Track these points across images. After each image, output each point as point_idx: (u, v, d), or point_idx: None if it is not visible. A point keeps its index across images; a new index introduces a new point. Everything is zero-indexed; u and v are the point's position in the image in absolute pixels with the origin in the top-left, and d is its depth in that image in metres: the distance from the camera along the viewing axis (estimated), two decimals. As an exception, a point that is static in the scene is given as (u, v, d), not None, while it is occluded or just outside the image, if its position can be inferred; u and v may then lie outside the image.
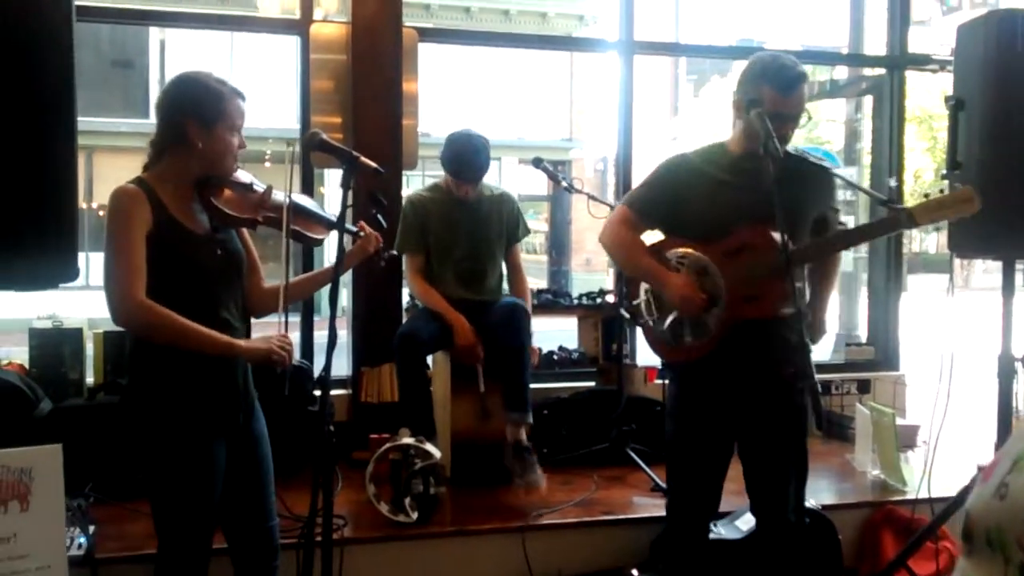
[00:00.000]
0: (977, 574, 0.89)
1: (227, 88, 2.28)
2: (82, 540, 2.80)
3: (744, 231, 2.47)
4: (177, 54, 15.66)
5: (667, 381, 2.84)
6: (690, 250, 2.58)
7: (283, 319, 2.32)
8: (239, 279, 2.38)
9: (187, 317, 2.19)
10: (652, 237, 2.75)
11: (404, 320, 4.15)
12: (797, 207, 2.46)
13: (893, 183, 5.19)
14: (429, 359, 3.89)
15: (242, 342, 2.26)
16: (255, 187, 2.37)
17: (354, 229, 2.52)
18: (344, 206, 2.25)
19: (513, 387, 3.62)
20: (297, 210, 2.39)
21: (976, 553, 0.89)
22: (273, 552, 2.46)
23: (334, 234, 2.48)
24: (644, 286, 2.73)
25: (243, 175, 2.37)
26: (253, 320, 2.45)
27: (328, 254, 2.49)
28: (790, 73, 2.45)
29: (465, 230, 3.80)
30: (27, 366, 3.75)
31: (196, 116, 2.22)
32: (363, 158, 2.28)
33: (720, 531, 3.17)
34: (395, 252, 2.61)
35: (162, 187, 2.21)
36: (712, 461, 2.66)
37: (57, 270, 2.17)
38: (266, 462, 2.44)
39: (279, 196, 2.39)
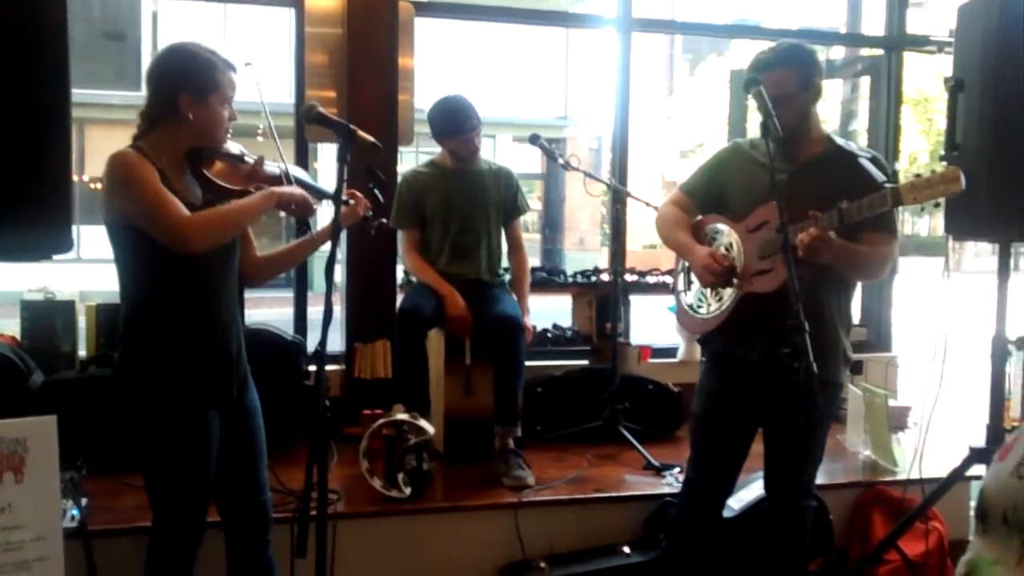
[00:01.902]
0: (992, 553, 0.89)
1: (219, 59, 2.27)
2: (74, 512, 2.79)
3: (766, 208, 2.52)
4: (169, 26, 15.50)
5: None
6: (723, 225, 2.70)
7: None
8: (235, 250, 2.38)
9: (183, 287, 2.19)
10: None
11: (398, 296, 4.13)
12: (819, 193, 2.47)
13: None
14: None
15: (278, 188, 2.30)
16: (246, 158, 2.37)
17: (345, 198, 2.50)
18: (341, 180, 2.23)
19: (505, 402, 3.62)
20: (290, 180, 2.39)
21: (991, 532, 0.89)
22: (265, 525, 2.47)
23: (327, 205, 2.47)
24: (682, 259, 2.87)
25: (233, 146, 2.36)
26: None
27: (322, 224, 2.48)
28: (763, 56, 2.59)
29: (461, 201, 3.78)
30: (19, 338, 3.73)
31: (189, 87, 2.20)
32: (360, 132, 2.26)
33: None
34: (385, 220, 2.60)
35: (157, 157, 2.19)
36: (729, 443, 2.73)
37: (51, 241, 2.15)
38: (259, 435, 2.44)
39: (270, 167, 2.39)
